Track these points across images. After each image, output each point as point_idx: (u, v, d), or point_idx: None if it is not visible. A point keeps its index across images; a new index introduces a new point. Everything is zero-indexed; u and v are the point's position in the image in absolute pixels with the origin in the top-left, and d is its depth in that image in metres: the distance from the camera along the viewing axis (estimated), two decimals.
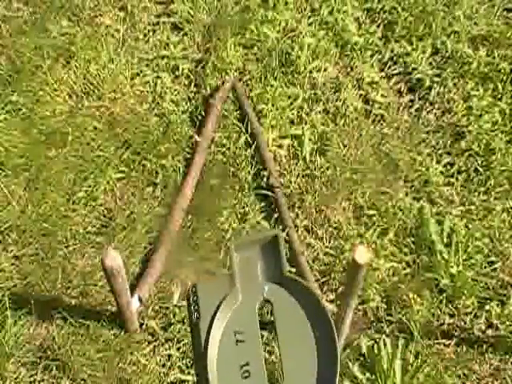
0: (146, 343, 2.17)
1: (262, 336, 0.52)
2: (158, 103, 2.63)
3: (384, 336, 2.17)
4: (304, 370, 0.47)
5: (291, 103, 2.60)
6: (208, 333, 0.46)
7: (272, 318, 0.46)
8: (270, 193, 2.41)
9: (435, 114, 2.63)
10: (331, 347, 0.48)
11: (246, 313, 0.48)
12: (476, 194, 2.45)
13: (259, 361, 0.47)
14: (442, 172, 2.50)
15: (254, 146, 2.52)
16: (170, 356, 2.15)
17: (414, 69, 2.70)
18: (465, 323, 2.23)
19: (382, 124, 2.61)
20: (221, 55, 2.69)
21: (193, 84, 2.67)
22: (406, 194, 2.45)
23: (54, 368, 2.13)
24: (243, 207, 2.39)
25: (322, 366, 0.48)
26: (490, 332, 2.22)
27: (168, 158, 2.49)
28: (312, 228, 2.37)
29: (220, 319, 0.47)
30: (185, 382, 2.13)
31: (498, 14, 2.84)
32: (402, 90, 2.69)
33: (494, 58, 2.72)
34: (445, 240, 2.32)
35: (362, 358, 2.15)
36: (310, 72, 2.68)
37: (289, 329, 0.48)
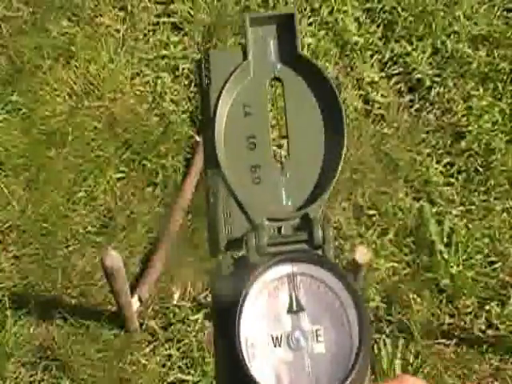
0: (146, 343, 2.17)
1: (271, 111, 0.51)
2: (158, 103, 2.62)
3: (384, 336, 2.17)
4: (310, 151, 0.47)
5: None
6: (218, 99, 0.46)
7: (282, 97, 0.46)
8: None
9: (435, 114, 2.63)
10: (340, 134, 0.48)
11: (256, 87, 0.46)
12: (476, 193, 2.45)
13: (266, 135, 0.46)
14: (441, 172, 2.49)
15: None
16: (170, 356, 2.15)
17: (413, 69, 2.70)
18: (465, 323, 2.23)
19: (382, 124, 2.61)
20: None
21: (193, 84, 2.67)
22: (406, 194, 2.45)
23: (54, 368, 2.13)
24: None
25: (327, 151, 0.47)
26: (490, 332, 2.21)
27: (168, 158, 2.49)
28: None
29: (230, 89, 0.46)
30: (185, 381, 2.13)
31: (498, 14, 2.84)
32: (402, 89, 2.69)
33: (494, 58, 2.72)
34: (445, 240, 2.32)
35: None
36: None
37: (298, 109, 0.47)
